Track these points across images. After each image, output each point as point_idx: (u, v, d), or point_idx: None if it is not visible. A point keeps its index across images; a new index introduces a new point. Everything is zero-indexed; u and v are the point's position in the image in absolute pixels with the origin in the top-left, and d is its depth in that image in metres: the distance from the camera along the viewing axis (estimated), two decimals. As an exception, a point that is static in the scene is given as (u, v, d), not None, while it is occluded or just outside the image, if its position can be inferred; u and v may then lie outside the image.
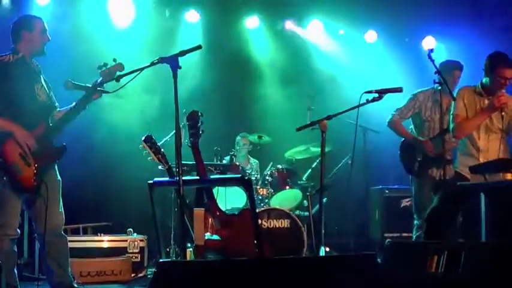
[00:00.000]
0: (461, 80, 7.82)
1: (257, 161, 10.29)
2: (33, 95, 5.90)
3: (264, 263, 4.26)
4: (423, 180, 7.78)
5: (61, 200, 6.04)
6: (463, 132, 6.93)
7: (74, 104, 5.92)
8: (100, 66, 5.81)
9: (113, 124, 9.35)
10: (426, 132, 7.79)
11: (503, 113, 6.72)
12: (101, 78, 5.80)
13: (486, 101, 6.83)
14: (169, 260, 6.84)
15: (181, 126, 5.59)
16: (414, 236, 7.82)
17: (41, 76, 6.07)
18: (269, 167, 9.58)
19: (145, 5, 10.46)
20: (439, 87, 7.19)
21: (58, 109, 6.10)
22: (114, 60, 5.79)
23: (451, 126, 6.99)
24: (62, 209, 6.03)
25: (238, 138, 10.16)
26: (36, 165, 5.73)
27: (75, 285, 6.18)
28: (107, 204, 9.46)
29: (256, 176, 9.41)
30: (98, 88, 5.83)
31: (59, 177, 6.07)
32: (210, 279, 3.87)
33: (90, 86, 5.82)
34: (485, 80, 6.86)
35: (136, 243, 8.55)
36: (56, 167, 6.07)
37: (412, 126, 8.00)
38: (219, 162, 8.90)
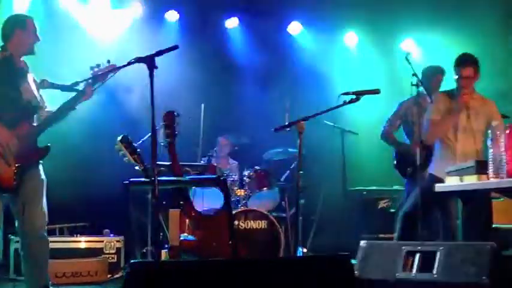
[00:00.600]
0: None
1: (237, 162, 10.27)
2: (17, 94, 5.85)
3: (237, 263, 4.25)
4: (414, 183, 7.82)
5: (44, 200, 6.00)
6: (433, 137, 6.98)
7: (61, 104, 5.90)
8: (92, 67, 5.82)
9: (91, 124, 9.31)
10: (416, 137, 7.84)
11: (469, 112, 6.78)
12: (92, 79, 5.79)
13: (454, 104, 6.88)
14: (141, 260, 6.82)
15: (158, 127, 5.57)
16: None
17: (29, 75, 6.04)
18: (245, 170, 9.54)
19: (125, 4, 10.42)
20: (420, 91, 7.26)
21: (47, 109, 6.07)
22: (108, 61, 5.80)
23: (424, 130, 7.04)
24: (45, 210, 5.98)
25: (219, 139, 10.15)
26: (16, 165, 5.69)
27: (51, 287, 6.15)
28: (84, 205, 9.41)
29: (234, 177, 9.38)
30: (85, 87, 5.81)
31: (43, 177, 6.02)
32: (184, 279, 3.85)
33: (66, 84, 5.80)
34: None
35: (112, 243, 8.53)
36: (41, 166, 6.02)
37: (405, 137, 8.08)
38: (196, 163, 8.88)
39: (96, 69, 5.79)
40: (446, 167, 6.19)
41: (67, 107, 5.89)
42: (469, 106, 6.84)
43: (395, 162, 8.15)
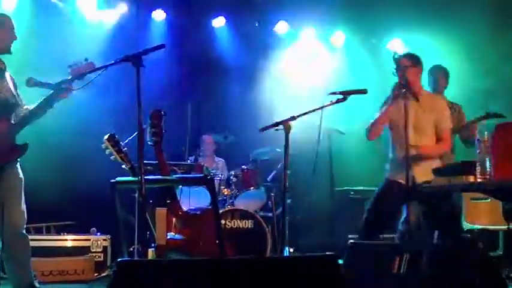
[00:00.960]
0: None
1: (223, 160, 10.26)
2: None
3: (224, 263, 4.24)
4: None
5: (23, 199, 5.98)
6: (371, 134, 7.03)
7: (39, 101, 5.87)
8: (70, 65, 5.79)
9: (78, 122, 9.29)
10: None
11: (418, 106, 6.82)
12: (70, 77, 5.77)
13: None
14: (129, 259, 6.80)
15: (145, 126, 5.56)
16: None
17: (6, 73, 6.01)
18: (231, 169, 9.53)
19: (112, 3, 10.40)
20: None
21: (25, 106, 6.03)
22: (86, 59, 5.78)
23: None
24: (23, 208, 5.97)
25: (203, 137, 10.14)
26: (-5, 163, 5.68)
27: (37, 285, 6.13)
28: (71, 203, 9.38)
29: (220, 176, 9.37)
30: (63, 85, 5.78)
31: (21, 175, 6.00)
32: (170, 278, 3.85)
33: (53, 83, 5.77)
34: None
35: (99, 242, 8.53)
36: (18, 165, 6.00)
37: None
38: (183, 162, 8.88)
39: (74, 67, 5.78)
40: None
41: (45, 105, 5.86)
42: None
43: None
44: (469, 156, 7.32)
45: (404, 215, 7.50)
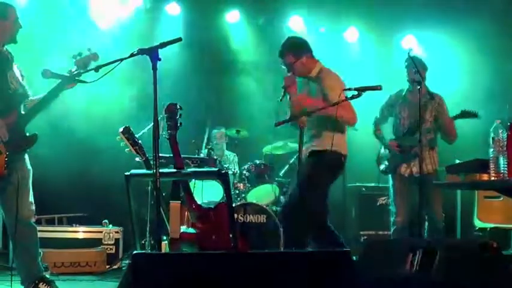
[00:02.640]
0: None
1: (235, 154, 10.26)
2: (6, 83, 5.85)
3: (237, 256, 4.25)
4: (394, 177, 7.87)
5: (31, 190, 6.00)
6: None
7: (47, 92, 5.88)
8: (75, 55, 5.81)
9: (92, 114, 9.33)
10: (401, 129, 7.87)
11: None
12: (75, 67, 5.78)
13: None
14: (144, 252, 6.82)
15: (160, 118, 5.56)
16: (391, 233, 7.91)
17: (14, 64, 6.03)
18: (244, 164, 9.53)
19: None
20: (410, 86, 7.36)
21: (31, 97, 6.05)
22: (89, 49, 5.80)
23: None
24: (32, 199, 5.99)
25: (214, 131, 10.15)
26: (7, 153, 5.69)
27: (47, 276, 6.15)
28: (83, 195, 9.40)
29: (233, 169, 9.38)
30: (76, 78, 5.79)
31: (29, 167, 6.02)
32: (184, 271, 3.85)
33: (68, 75, 5.78)
34: None
35: (111, 234, 8.55)
36: (27, 156, 6.02)
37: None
38: (196, 156, 8.88)
39: (78, 58, 5.79)
40: None
41: (52, 96, 5.87)
42: None
43: (377, 156, 8.18)
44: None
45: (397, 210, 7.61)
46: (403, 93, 7.89)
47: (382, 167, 8.02)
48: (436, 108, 7.66)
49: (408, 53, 7.21)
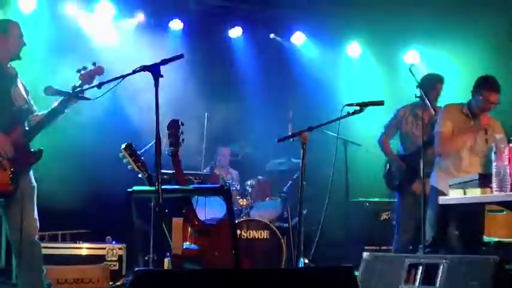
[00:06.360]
0: (442, 95, 7.88)
1: (237, 172, 10.28)
2: (9, 99, 5.86)
3: (240, 273, 4.25)
4: (403, 195, 7.85)
5: (35, 206, 6.00)
6: (449, 150, 7.02)
7: (51, 108, 5.89)
8: (79, 69, 5.79)
9: (94, 131, 9.33)
10: (410, 147, 7.86)
11: (487, 136, 6.85)
12: (80, 82, 5.78)
13: (472, 122, 6.93)
14: (146, 268, 6.82)
15: (162, 135, 5.57)
16: (393, 249, 7.89)
17: (18, 80, 6.04)
18: (247, 180, 9.53)
19: (130, 12, 10.43)
20: (420, 101, 7.30)
21: (36, 113, 6.06)
22: (94, 63, 5.79)
23: (436, 142, 7.06)
24: (36, 216, 5.98)
25: (220, 149, 10.17)
26: (12, 169, 5.69)
27: (51, 293, 6.15)
28: (87, 212, 9.40)
29: (236, 186, 9.39)
30: (79, 95, 5.78)
31: (34, 183, 6.02)
32: (187, 288, 3.85)
33: (71, 91, 5.78)
34: (472, 100, 6.96)
35: (114, 251, 8.53)
36: (31, 172, 6.02)
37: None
38: (199, 172, 8.89)
39: (83, 72, 5.79)
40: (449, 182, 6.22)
41: (56, 112, 5.88)
42: (487, 128, 6.91)
43: (385, 172, 8.17)
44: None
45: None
46: (414, 109, 7.88)
47: (393, 183, 7.99)
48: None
49: (409, 69, 7.20)
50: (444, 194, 6.51)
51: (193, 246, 5.86)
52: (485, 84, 6.89)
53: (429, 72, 8.26)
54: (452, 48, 10.76)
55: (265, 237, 8.35)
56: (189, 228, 5.94)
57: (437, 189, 7.02)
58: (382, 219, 9.92)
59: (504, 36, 10.10)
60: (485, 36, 10.06)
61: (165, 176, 6.45)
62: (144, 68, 5.01)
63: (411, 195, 7.75)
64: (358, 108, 6.14)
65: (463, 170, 6.92)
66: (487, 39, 10.07)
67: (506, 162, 5.18)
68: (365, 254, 5.51)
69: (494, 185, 5.24)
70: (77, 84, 5.77)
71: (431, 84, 7.75)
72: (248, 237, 8.31)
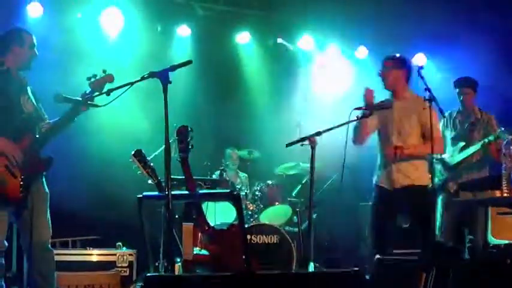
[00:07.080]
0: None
1: (246, 175, 10.28)
2: (19, 107, 5.88)
3: (251, 278, 4.25)
4: (443, 194, 7.84)
5: (48, 213, 6.01)
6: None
7: (61, 116, 5.90)
8: (89, 77, 5.80)
9: (104, 137, 9.34)
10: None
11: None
12: (90, 89, 5.79)
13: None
14: (157, 274, 6.81)
15: (171, 141, 5.58)
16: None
17: (28, 88, 6.06)
18: (256, 184, 9.53)
19: (137, 20, 10.43)
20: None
21: (47, 121, 6.07)
22: (104, 71, 5.79)
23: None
24: (49, 222, 6.00)
25: (227, 151, 10.18)
26: (22, 176, 5.70)
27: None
28: (97, 218, 9.40)
29: (245, 191, 9.39)
30: (88, 102, 5.80)
31: (46, 190, 6.04)
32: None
33: (80, 98, 5.79)
34: None
35: (125, 257, 8.53)
36: (44, 179, 6.04)
37: None
38: (208, 177, 8.89)
39: (93, 80, 5.79)
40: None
41: (66, 120, 5.89)
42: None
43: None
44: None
45: None
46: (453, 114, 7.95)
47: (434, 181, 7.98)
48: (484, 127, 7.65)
49: (418, 71, 7.19)
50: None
51: (203, 251, 5.87)
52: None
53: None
54: (461, 50, 10.74)
55: (275, 241, 8.34)
56: (200, 234, 5.95)
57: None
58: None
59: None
60: (493, 37, 10.06)
61: (175, 182, 6.47)
62: (152, 75, 5.03)
63: (447, 194, 7.74)
64: (367, 111, 6.15)
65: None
66: (494, 41, 10.06)
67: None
68: (375, 258, 5.50)
69: (504, 187, 5.24)
70: (87, 92, 5.79)
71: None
72: (258, 241, 8.31)
